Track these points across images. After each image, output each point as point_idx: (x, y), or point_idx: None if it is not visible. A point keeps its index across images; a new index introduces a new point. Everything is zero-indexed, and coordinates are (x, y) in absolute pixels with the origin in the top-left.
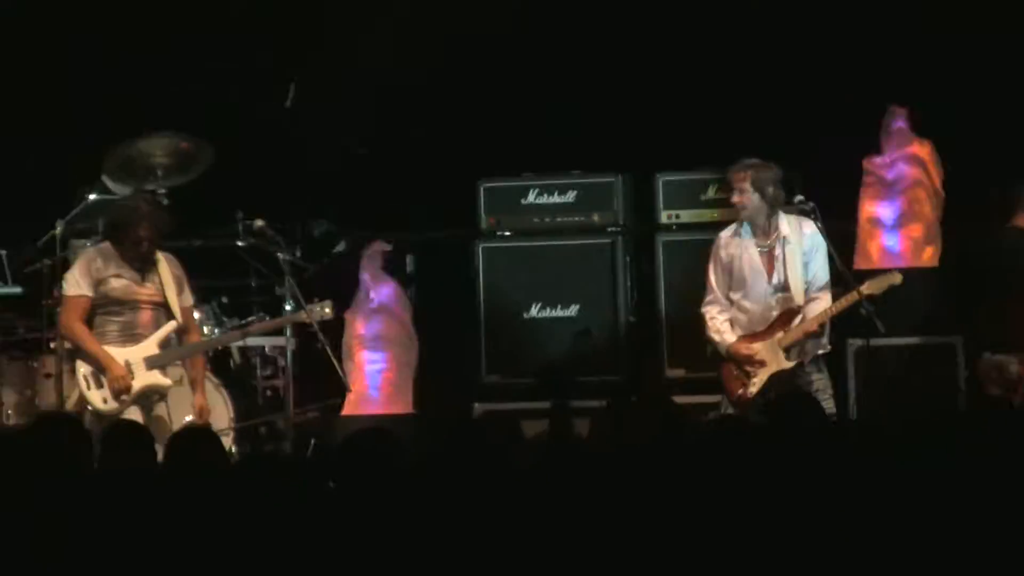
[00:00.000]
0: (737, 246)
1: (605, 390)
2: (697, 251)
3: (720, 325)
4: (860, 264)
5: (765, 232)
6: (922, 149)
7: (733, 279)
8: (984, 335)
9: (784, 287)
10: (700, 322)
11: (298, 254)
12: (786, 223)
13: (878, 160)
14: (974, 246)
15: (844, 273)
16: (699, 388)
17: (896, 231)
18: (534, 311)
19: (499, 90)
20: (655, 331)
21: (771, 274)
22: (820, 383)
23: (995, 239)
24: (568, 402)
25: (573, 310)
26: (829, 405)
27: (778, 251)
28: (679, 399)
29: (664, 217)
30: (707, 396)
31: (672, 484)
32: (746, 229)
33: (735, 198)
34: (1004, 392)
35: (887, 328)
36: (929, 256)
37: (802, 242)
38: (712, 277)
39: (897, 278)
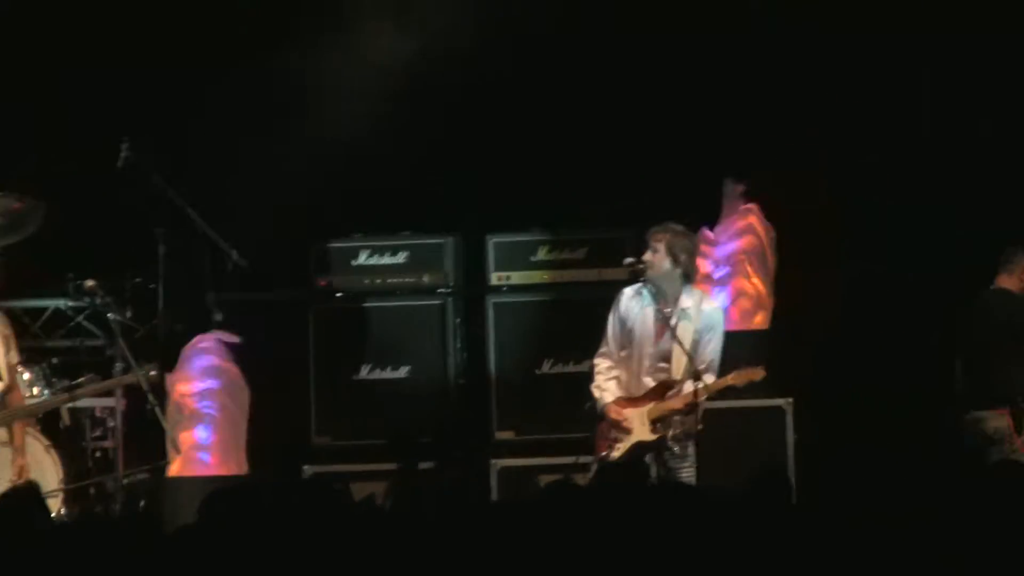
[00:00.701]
0: (636, 305)
1: (434, 452)
2: (527, 312)
3: (604, 383)
4: None
5: (665, 299)
6: (752, 217)
7: (624, 336)
8: (968, 393)
9: (667, 357)
10: (557, 381)
11: (129, 315)
12: (690, 297)
13: (711, 235)
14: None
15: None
16: (528, 450)
17: (727, 305)
18: (364, 372)
19: (328, 150)
20: (485, 393)
21: (658, 342)
22: (675, 462)
23: (981, 299)
24: (413, 464)
25: (403, 371)
26: (687, 476)
27: (673, 321)
28: (508, 461)
29: (494, 279)
30: (536, 459)
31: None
32: (648, 291)
33: (647, 255)
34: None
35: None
36: (760, 321)
37: (699, 319)
38: (609, 330)
39: (759, 375)
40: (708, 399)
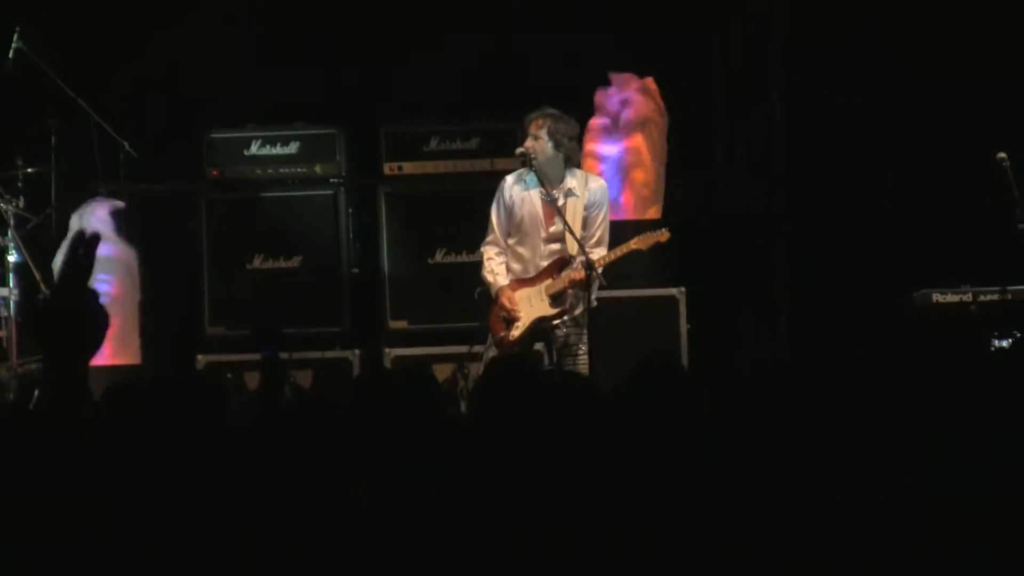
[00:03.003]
0: (520, 192)
1: (327, 341)
2: (419, 202)
3: (496, 267)
4: None
5: (551, 183)
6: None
7: (511, 224)
8: None
9: (560, 238)
10: (450, 270)
11: (21, 204)
12: (573, 178)
13: (609, 92)
14: None
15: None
16: (420, 340)
17: (617, 178)
18: (257, 262)
19: (223, 41)
20: (378, 283)
21: (549, 224)
22: (574, 338)
23: None
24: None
25: (296, 261)
26: (583, 361)
27: (561, 202)
28: (401, 351)
29: (387, 169)
30: (428, 348)
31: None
32: (531, 177)
33: (528, 143)
34: None
35: (609, 282)
36: (653, 212)
37: (586, 196)
38: (494, 219)
39: (664, 236)
40: (601, 288)
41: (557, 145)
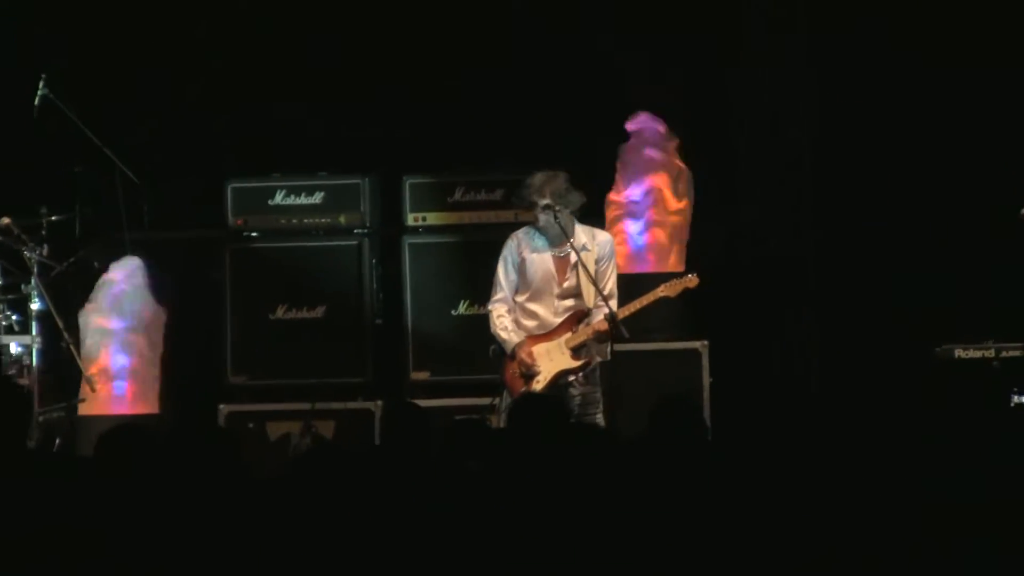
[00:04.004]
0: (531, 251)
1: (349, 392)
2: (443, 253)
3: (508, 324)
4: None
5: (560, 238)
6: (665, 151)
7: (522, 282)
8: None
9: (574, 293)
10: (472, 322)
11: (45, 252)
12: (581, 230)
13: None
14: None
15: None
16: (443, 391)
17: (643, 244)
18: (280, 312)
19: (246, 89)
20: (401, 334)
21: (562, 280)
22: (589, 396)
23: None
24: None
25: (319, 311)
26: (599, 420)
27: (572, 257)
28: (423, 402)
29: (411, 219)
30: (450, 399)
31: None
32: (540, 235)
33: (551, 201)
34: None
35: (632, 334)
36: (674, 262)
37: (595, 250)
38: (502, 277)
39: (693, 282)
40: (623, 340)
41: (570, 205)
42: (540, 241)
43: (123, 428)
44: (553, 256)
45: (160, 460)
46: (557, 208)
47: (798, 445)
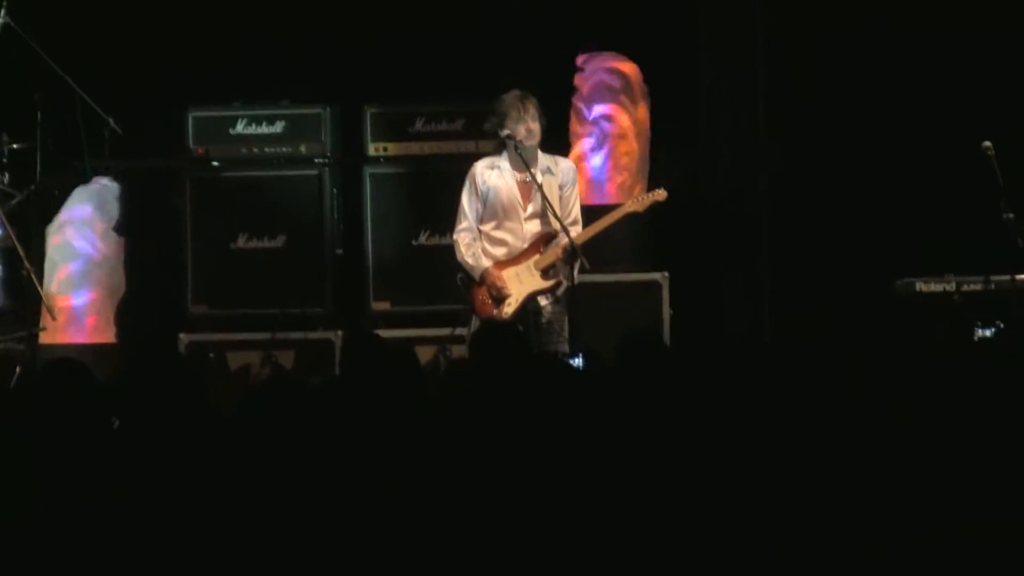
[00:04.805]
0: (495, 177)
1: (310, 322)
2: (404, 184)
3: (475, 250)
4: None
5: (525, 163)
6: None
7: (486, 210)
8: None
9: (539, 215)
10: (434, 253)
11: (5, 180)
12: (545, 158)
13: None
14: None
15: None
16: (404, 321)
17: (603, 175)
18: (241, 241)
19: (207, 16)
20: (361, 264)
21: (527, 204)
22: (557, 320)
23: None
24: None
25: (280, 241)
26: (565, 343)
27: (537, 181)
28: (384, 332)
29: (372, 150)
30: (412, 329)
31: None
32: (504, 160)
33: (532, 125)
34: None
35: (592, 265)
36: (638, 191)
37: (559, 175)
38: (466, 206)
39: (662, 195)
40: (584, 271)
41: (541, 123)
42: (504, 167)
43: (61, 363)
44: (517, 181)
45: (121, 390)
46: (518, 138)
47: (756, 379)
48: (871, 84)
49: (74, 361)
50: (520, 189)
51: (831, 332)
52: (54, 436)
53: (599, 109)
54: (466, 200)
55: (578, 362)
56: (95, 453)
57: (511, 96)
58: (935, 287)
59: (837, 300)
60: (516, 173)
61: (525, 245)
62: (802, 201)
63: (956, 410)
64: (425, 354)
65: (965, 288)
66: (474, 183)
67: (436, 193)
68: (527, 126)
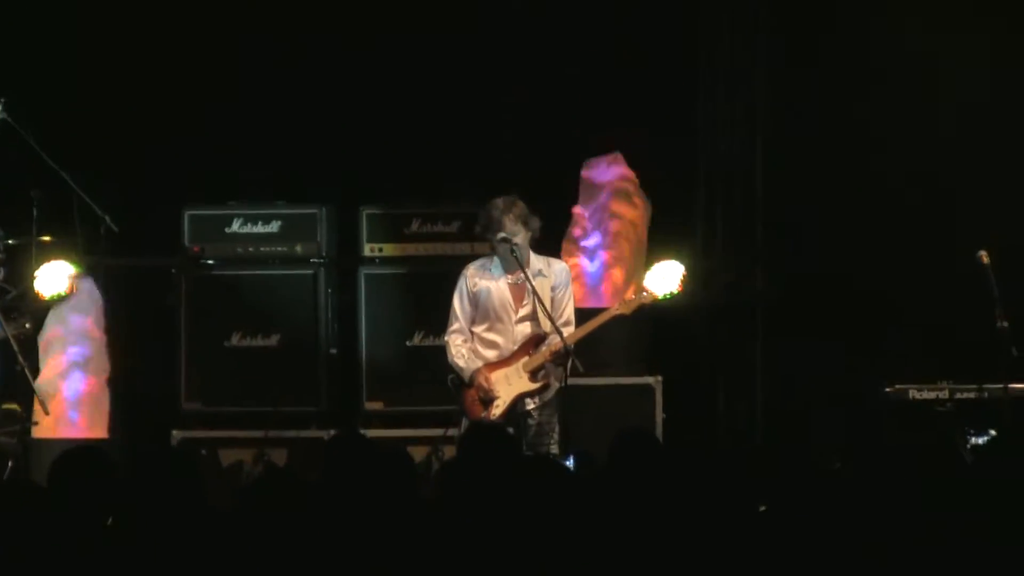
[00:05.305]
0: (486, 281)
1: (303, 420)
2: (399, 285)
3: (464, 351)
4: None
5: (517, 265)
6: (627, 183)
7: (478, 312)
8: None
9: (533, 318)
10: (428, 353)
11: (1, 276)
12: (538, 260)
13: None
14: None
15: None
16: (397, 421)
17: (599, 279)
18: (235, 339)
19: (205, 117)
20: (355, 363)
21: (519, 307)
22: (546, 423)
23: None
24: None
25: (274, 339)
26: (554, 441)
27: (529, 284)
28: (377, 432)
29: (367, 250)
30: (405, 430)
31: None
32: (496, 264)
33: (511, 229)
34: None
35: (585, 368)
36: (631, 295)
37: (552, 277)
38: (457, 309)
39: (649, 296)
40: (578, 373)
41: (527, 227)
42: (496, 270)
43: (79, 451)
44: (509, 284)
45: (117, 486)
46: (515, 240)
47: (746, 481)
48: (868, 186)
49: (96, 450)
50: (512, 291)
51: (824, 437)
52: (65, 527)
53: (597, 212)
54: (457, 302)
55: (570, 463)
56: (96, 548)
57: (501, 200)
58: (928, 394)
59: (830, 404)
60: (508, 275)
61: (516, 347)
62: (797, 301)
63: (943, 518)
64: (418, 454)
65: (959, 396)
66: (465, 286)
67: (431, 294)
68: (516, 230)
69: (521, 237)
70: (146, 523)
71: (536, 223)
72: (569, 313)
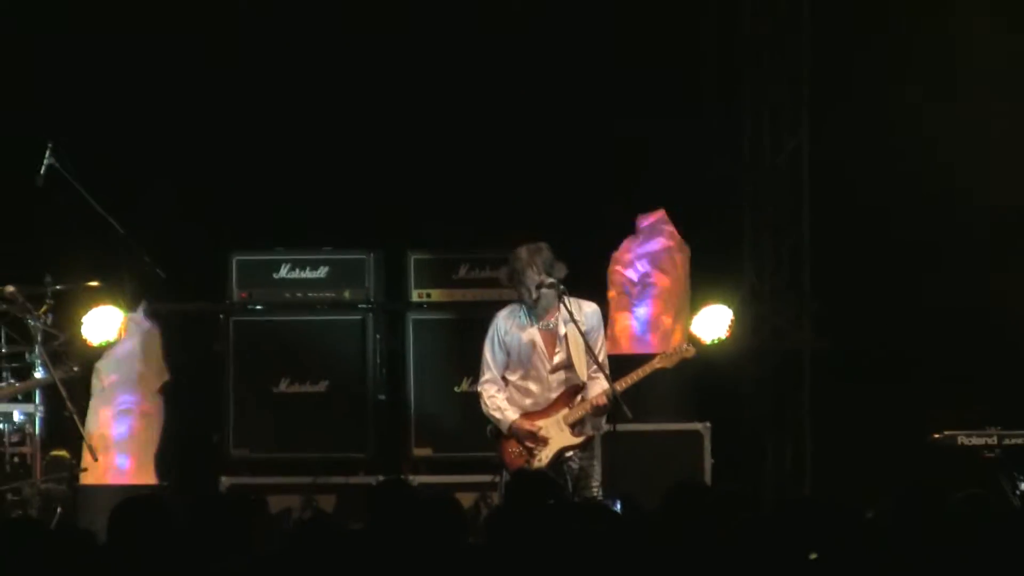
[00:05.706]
0: (517, 327)
1: (351, 467)
2: (447, 330)
3: (500, 403)
4: (611, 350)
5: (546, 312)
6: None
7: (511, 360)
8: None
9: (568, 365)
10: (476, 399)
11: (48, 321)
12: (566, 300)
13: (624, 258)
14: None
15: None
16: (445, 468)
17: (646, 330)
18: (283, 385)
19: (252, 162)
20: (403, 409)
21: (553, 354)
22: (587, 467)
23: None
24: None
25: (323, 385)
26: (597, 490)
27: (561, 330)
28: (425, 478)
29: (415, 296)
30: (452, 476)
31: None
32: (524, 311)
33: (537, 277)
34: None
35: (634, 415)
36: (678, 340)
37: (583, 321)
38: (489, 357)
39: (690, 352)
40: (626, 420)
41: (555, 277)
42: (525, 317)
43: (137, 500)
44: (540, 330)
45: (173, 532)
46: (546, 285)
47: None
48: (912, 245)
49: (156, 498)
50: (544, 338)
51: (872, 485)
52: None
53: (642, 266)
54: (488, 351)
55: (616, 508)
56: None
57: (525, 250)
58: (977, 440)
59: (878, 453)
60: (539, 322)
61: (552, 395)
62: (845, 348)
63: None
64: (466, 501)
65: (1007, 442)
66: (496, 333)
67: (478, 340)
68: (543, 278)
69: (543, 284)
70: (201, 571)
71: (562, 270)
72: (603, 356)
